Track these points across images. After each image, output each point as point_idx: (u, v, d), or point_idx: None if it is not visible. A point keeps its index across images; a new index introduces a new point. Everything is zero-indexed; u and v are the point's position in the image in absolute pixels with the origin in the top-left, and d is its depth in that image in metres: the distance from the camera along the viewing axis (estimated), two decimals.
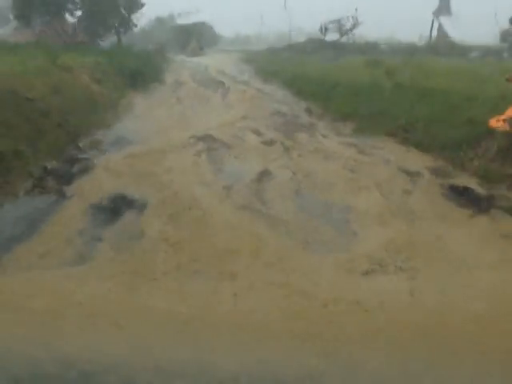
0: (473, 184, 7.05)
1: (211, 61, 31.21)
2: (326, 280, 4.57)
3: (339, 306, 4.14)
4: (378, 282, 4.56)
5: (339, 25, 40.70)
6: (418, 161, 8.50)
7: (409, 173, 7.82)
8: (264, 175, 7.70)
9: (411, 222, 5.97)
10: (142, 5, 33.18)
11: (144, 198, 6.54)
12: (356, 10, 39.61)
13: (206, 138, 10.10)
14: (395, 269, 4.79)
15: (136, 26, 33.85)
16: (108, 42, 31.06)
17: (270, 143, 9.90)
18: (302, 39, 42.91)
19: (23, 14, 28.13)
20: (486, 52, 30.19)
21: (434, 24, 40.93)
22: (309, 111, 13.82)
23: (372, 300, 4.19)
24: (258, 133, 10.79)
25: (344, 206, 6.50)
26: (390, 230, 5.69)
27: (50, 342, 3.55)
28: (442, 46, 34.80)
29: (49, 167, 7.68)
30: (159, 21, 50.82)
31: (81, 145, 9.31)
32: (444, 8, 41.78)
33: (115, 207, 6.26)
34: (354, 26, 40.32)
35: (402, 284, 4.51)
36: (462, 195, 6.76)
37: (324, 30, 40.42)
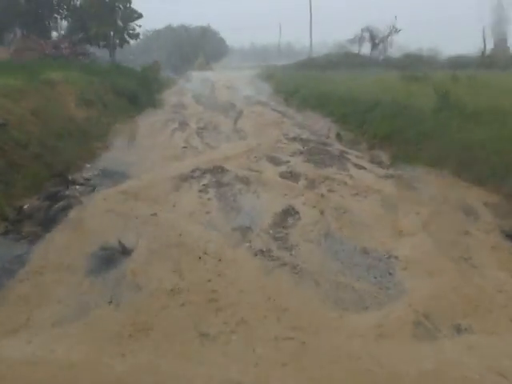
0: None
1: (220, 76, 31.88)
2: (361, 347, 4.49)
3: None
4: (428, 350, 4.46)
5: (372, 33, 41.36)
6: (472, 196, 8.46)
7: (462, 210, 7.80)
8: (286, 215, 7.72)
9: (466, 271, 5.91)
10: (140, 15, 34.04)
11: (139, 245, 6.60)
12: (396, 18, 40.36)
13: (213, 170, 10.25)
14: (448, 331, 4.70)
15: (136, 37, 34.57)
16: (101, 57, 31.80)
17: (292, 176, 9.97)
18: (326, 51, 43.77)
19: None
20: None
21: (490, 34, 41.50)
22: (339, 137, 13.97)
23: (425, 378, 4.09)
24: (277, 164, 10.93)
25: (384, 252, 6.46)
26: (441, 282, 5.63)
27: None
28: (500, 58, 35.00)
29: (25, 207, 7.73)
30: (159, 33, 52.17)
31: (64, 180, 9.45)
32: (503, 18, 42.42)
33: (107, 257, 6.30)
34: (391, 33, 40.93)
35: (458, 353, 4.40)
36: None
37: (357, 40, 41.17)
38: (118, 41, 32.87)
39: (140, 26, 35.27)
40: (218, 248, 6.54)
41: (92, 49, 32.14)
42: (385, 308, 5.14)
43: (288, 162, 11.07)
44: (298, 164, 10.90)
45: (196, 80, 32.30)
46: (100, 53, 33.04)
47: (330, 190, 9.01)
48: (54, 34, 32.70)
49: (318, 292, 5.46)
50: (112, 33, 31.93)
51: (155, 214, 7.71)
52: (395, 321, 4.87)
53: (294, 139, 13.69)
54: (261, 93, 25.96)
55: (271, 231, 7.13)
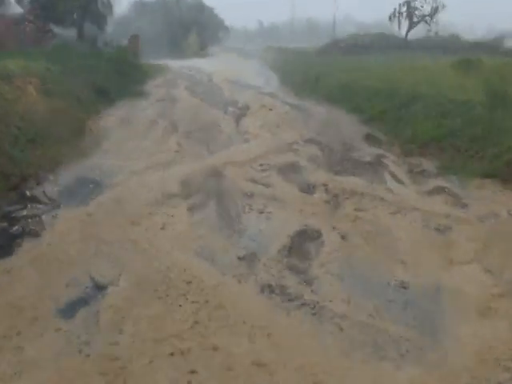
0: None
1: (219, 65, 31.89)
2: None
3: None
4: None
5: (412, 10, 41.41)
6: None
7: None
8: (302, 239, 7.77)
9: None
10: None
11: (115, 280, 6.63)
12: None
13: (209, 182, 10.30)
14: None
15: (109, 10, 34.52)
16: (69, 37, 31.75)
17: (309, 189, 9.99)
18: (353, 30, 43.83)
19: None
20: None
21: None
22: (370, 139, 13.96)
23: None
24: (290, 173, 10.95)
25: (427, 287, 6.45)
26: (500, 325, 5.61)
27: None
28: None
29: None
30: (143, 6, 51.94)
31: (21, 196, 9.42)
32: None
33: (76, 296, 6.33)
34: (435, 11, 40.95)
35: None
36: None
37: (394, 17, 41.20)
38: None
39: None
40: (215, 284, 6.54)
41: (56, 29, 32.15)
42: (429, 361, 5.11)
43: (304, 170, 11.13)
44: (317, 173, 10.94)
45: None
46: (68, 33, 33.04)
47: (358, 208, 9.01)
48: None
49: (342, 340, 5.44)
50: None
51: (136, 239, 7.73)
52: (444, 379, 4.84)
53: (312, 141, 13.67)
54: (269, 83, 25.97)
55: (284, 260, 7.13)
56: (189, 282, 6.53)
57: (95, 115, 16.40)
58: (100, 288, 6.47)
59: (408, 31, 41.11)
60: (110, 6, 34.90)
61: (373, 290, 6.45)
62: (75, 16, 32.37)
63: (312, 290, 6.40)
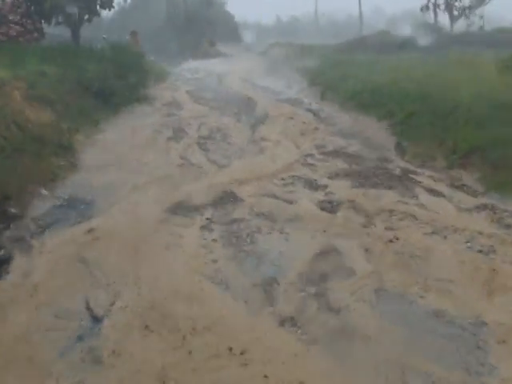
0: None
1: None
2: None
3: None
4: None
5: (451, 1, 41.46)
6: None
7: None
8: (326, 262, 7.78)
9: None
10: None
11: (113, 310, 6.69)
12: None
13: (221, 198, 10.32)
14: None
15: (109, 5, 34.23)
16: (59, 36, 31.80)
17: (334, 206, 9.99)
18: (382, 25, 43.80)
19: None
20: None
21: None
22: (403, 149, 13.94)
23: None
24: (312, 189, 10.95)
25: (469, 317, 6.41)
26: None
27: None
28: None
29: None
30: (146, 2, 52.21)
31: (5, 214, 9.42)
32: None
33: (68, 328, 6.35)
34: (480, 3, 40.94)
35: None
36: None
37: (429, 8, 41.24)
38: (86, 16, 32.85)
39: None
40: (228, 315, 6.54)
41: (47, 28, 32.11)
42: None
43: (327, 186, 11.10)
44: (342, 189, 10.91)
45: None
46: (59, 31, 33.10)
47: (390, 227, 9.00)
48: None
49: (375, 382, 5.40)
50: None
51: (138, 264, 7.76)
52: None
53: (336, 153, 13.64)
54: (289, 85, 25.98)
55: (305, 286, 7.15)
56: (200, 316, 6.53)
57: (91, 125, 16.40)
58: (96, 317, 6.55)
59: (452, 24, 41.02)
60: (109, 2, 34.71)
61: (407, 320, 6.45)
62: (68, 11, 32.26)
63: (335, 319, 6.40)
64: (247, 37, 59.08)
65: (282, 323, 6.40)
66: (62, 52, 22.17)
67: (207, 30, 45.38)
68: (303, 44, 41.85)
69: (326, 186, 11.05)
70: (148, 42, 35.99)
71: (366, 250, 8.12)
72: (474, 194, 10.64)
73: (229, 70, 31.02)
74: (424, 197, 10.48)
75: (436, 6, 41.55)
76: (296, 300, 6.83)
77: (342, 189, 10.91)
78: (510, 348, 5.81)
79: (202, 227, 9.12)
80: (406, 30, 39.81)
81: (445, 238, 8.60)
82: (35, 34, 29.18)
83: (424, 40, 36.62)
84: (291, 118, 18.01)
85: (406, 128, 15.07)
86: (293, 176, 11.69)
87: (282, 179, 11.47)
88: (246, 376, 5.61)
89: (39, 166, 11.71)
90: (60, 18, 31.33)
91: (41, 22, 30.07)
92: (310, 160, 13.02)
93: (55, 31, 32.52)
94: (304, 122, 17.52)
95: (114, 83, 20.01)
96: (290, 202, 10.19)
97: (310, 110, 19.46)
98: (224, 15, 54.50)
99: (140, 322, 6.46)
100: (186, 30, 44.67)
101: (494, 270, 7.49)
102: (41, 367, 5.74)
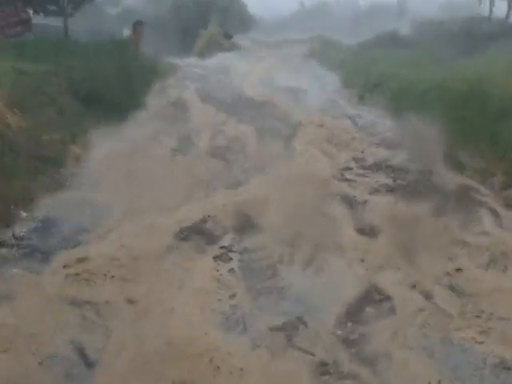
0: None
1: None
2: None
3: None
4: None
5: None
6: None
7: None
8: (364, 301, 7.73)
9: None
10: None
11: (105, 357, 6.66)
12: None
13: (238, 221, 10.33)
14: None
15: None
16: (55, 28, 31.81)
17: (374, 231, 9.95)
18: (431, 13, 43.65)
19: None
20: None
21: None
22: (457, 163, 13.85)
23: None
24: (348, 209, 10.98)
25: None
26: None
27: None
28: None
29: None
30: None
31: None
32: None
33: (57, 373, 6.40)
34: None
35: None
36: None
37: None
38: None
39: None
40: (246, 364, 6.50)
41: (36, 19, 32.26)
42: None
43: (366, 204, 11.12)
44: (385, 209, 10.86)
45: None
46: (58, 22, 33.08)
47: (450, 258, 8.95)
48: None
49: None
50: None
51: (134, 300, 7.78)
52: None
53: (378, 166, 13.68)
54: (319, 85, 25.96)
55: (339, 330, 7.12)
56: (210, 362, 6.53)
57: (81, 135, 16.35)
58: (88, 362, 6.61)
59: (508, 14, 40.92)
60: None
61: (464, 371, 6.39)
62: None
63: (375, 372, 6.38)
64: (265, 28, 58.97)
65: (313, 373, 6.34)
66: (51, 48, 22.23)
67: (220, 21, 45.18)
68: (332, 36, 41.87)
69: (365, 203, 11.20)
70: (153, 35, 35.94)
71: (413, 287, 8.06)
72: None
73: (246, 69, 30.93)
74: (485, 221, 10.45)
75: None
76: (328, 346, 6.78)
77: (384, 208, 10.95)
78: None
79: (216, 257, 9.10)
80: (462, 21, 39.54)
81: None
82: (18, 28, 29.21)
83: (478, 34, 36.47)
84: (321, 126, 17.95)
85: (461, 136, 14.96)
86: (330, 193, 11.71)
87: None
88: None
89: (21, 184, 11.69)
90: (49, 7, 31.34)
91: (26, 12, 30.16)
92: (347, 175, 13.08)
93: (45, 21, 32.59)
94: (341, 130, 17.50)
95: (108, 86, 19.98)
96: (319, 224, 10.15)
97: (346, 116, 19.37)
98: (237, 5, 54.63)
99: None
100: (197, 20, 44.56)
101: None
102: None
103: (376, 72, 24.59)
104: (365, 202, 11.28)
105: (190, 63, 33.50)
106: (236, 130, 17.74)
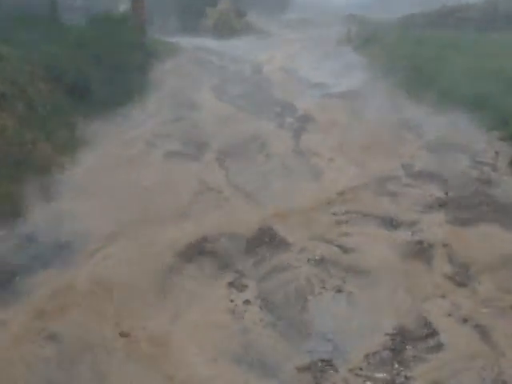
0: None
1: None
2: None
3: None
4: None
5: None
6: None
7: None
8: (409, 337, 7.65)
9: None
10: None
11: None
12: None
13: (255, 240, 10.27)
14: None
15: None
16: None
17: (423, 254, 9.83)
18: None
19: None
20: None
21: None
22: None
23: None
24: (390, 228, 10.91)
25: None
26: None
27: None
28: None
29: None
30: None
31: None
32: None
33: None
34: None
35: None
36: None
37: None
38: None
39: None
40: None
41: None
42: None
43: (414, 224, 10.98)
44: (435, 228, 10.74)
45: None
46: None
47: (502, 288, 8.78)
48: None
49: None
50: None
51: (130, 335, 7.69)
52: None
53: (427, 176, 13.55)
54: (352, 74, 25.83)
55: (376, 373, 7.04)
56: None
57: (66, 133, 16.26)
58: None
59: None
60: None
61: None
62: None
63: None
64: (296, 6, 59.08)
65: None
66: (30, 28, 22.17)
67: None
68: (373, 17, 41.91)
69: (409, 223, 11.02)
70: (151, 12, 36.00)
71: (465, 321, 7.96)
72: None
73: (264, 59, 30.78)
74: None
75: None
76: None
77: (431, 226, 10.83)
78: None
79: (230, 284, 9.02)
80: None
81: None
82: None
83: None
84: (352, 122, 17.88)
85: None
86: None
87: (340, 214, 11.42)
88: None
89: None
90: None
91: None
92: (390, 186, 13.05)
93: None
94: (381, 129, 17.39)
95: (99, 74, 19.89)
96: (354, 248, 10.07)
97: (382, 111, 19.19)
98: None
99: None
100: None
101: None
102: None
103: (425, 57, 24.17)
104: (411, 220, 11.18)
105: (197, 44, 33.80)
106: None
